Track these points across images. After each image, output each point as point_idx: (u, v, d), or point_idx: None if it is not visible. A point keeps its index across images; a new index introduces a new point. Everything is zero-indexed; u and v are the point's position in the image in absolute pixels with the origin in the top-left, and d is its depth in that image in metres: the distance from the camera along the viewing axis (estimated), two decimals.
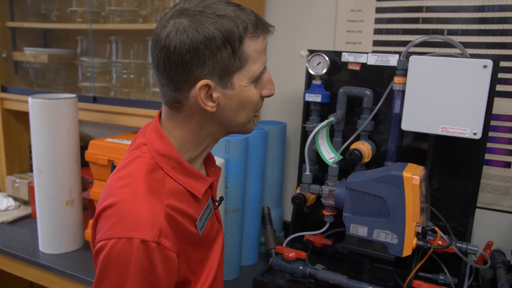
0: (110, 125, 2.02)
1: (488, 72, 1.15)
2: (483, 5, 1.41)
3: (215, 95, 0.82)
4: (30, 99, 1.57)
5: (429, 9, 1.48)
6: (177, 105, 0.85)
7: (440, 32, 1.48)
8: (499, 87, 1.43)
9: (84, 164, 1.70)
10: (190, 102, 0.84)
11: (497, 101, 1.43)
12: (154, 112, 1.68)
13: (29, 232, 1.78)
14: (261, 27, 0.84)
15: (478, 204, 1.44)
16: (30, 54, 1.88)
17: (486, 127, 1.26)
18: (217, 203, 1.03)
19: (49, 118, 1.55)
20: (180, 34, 0.78)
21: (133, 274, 0.77)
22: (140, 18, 1.81)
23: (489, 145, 1.46)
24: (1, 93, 1.97)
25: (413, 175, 1.15)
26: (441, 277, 1.34)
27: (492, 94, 1.23)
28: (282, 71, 1.74)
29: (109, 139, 1.64)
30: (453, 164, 1.35)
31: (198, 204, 0.91)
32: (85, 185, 1.80)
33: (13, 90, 1.96)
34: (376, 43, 1.57)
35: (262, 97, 0.90)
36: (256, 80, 0.86)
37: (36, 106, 1.55)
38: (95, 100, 1.80)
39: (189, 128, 0.88)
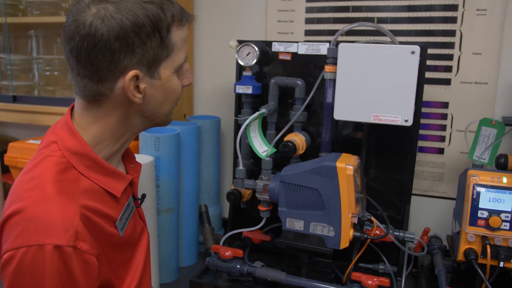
0: (34, 126, 1.89)
1: (416, 58, 1.14)
2: None
3: (142, 85, 0.78)
4: None
5: None
6: (99, 98, 0.79)
7: (370, 20, 1.47)
8: (429, 74, 1.44)
9: (6, 169, 1.57)
10: (115, 94, 0.78)
11: (428, 88, 1.44)
12: None
13: None
14: (186, 16, 0.82)
15: (414, 191, 1.45)
16: None
17: (418, 114, 1.26)
18: (139, 201, 0.96)
19: None
20: (108, 21, 0.73)
21: (49, 286, 0.69)
22: (61, 11, 1.70)
23: (422, 132, 1.47)
24: None
25: (346, 165, 1.13)
26: (381, 266, 1.34)
27: (422, 80, 1.23)
28: (214, 64, 1.68)
29: (30, 141, 1.53)
30: (388, 153, 1.35)
31: (117, 204, 0.84)
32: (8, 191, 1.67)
33: None
34: (308, 32, 1.54)
35: (182, 87, 0.87)
36: (179, 70, 0.83)
37: None
38: (15, 99, 1.67)
39: (109, 122, 0.82)
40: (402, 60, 1.15)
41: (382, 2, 1.45)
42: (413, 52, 1.14)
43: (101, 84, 0.77)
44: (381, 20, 1.46)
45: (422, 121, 1.47)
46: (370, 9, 1.46)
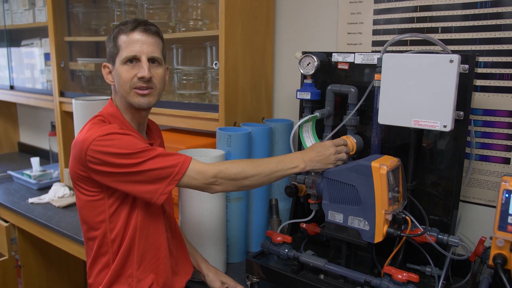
0: None
1: (454, 67, 1.19)
2: (476, 1, 1.43)
3: (112, 72, 1.29)
4: (73, 100, 1.84)
5: (423, 8, 1.52)
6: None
7: (435, 30, 1.51)
8: (495, 83, 1.43)
9: None
10: None
11: (493, 96, 1.43)
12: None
13: (77, 216, 2.06)
14: (130, 27, 1.24)
15: (478, 201, 1.48)
16: (81, 63, 2.19)
17: (465, 121, 1.29)
18: None
19: (90, 116, 1.81)
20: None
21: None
22: (169, 29, 2.03)
23: (486, 141, 1.47)
24: (60, 97, 2.31)
25: (380, 165, 1.22)
26: (428, 269, 1.38)
27: (469, 88, 1.26)
28: (291, 72, 1.86)
29: None
30: (438, 159, 1.38)
31: None
32: None
33: (69, 94, 2.28)
34: (375, 43, 1.64)
35: (139, 78, 1.24)
36: (129, 63, 1.24)
37: (78, 106, 1.83)
38: None
39: (117, 97, 1.31)
40: (441, 68, 1.20)
41: (447, 12, 1.48)
42: (451, 61, 1.19)
43: None
44: (446, 30, 1.49)
45: (487, 129, 1.46)
46: (435, 20, 1.51)
